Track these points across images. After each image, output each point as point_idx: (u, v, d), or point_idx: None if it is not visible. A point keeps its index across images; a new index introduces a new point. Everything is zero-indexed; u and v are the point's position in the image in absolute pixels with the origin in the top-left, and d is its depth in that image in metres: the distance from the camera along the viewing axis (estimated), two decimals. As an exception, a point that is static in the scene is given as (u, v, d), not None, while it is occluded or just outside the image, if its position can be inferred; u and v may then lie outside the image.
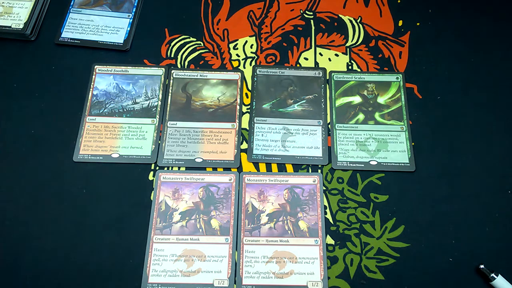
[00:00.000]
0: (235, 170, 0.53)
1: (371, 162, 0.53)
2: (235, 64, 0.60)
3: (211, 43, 0.61)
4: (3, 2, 0.62)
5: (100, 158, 0.53)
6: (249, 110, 0.57)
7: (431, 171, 0.52)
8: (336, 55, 0.60)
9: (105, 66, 0.59)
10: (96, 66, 0.59)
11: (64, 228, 0.49)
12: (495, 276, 0.46)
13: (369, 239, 0.49)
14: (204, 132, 0.55)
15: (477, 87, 0.57)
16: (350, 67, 0.59)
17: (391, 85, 0.58)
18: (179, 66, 0.59)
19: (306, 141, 0.54)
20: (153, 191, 0.51)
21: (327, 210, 0.51)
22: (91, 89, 0.57)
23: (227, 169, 0.53)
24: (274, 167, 0.53)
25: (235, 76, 0.59)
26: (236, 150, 0.54)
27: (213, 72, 0.59)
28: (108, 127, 0.55)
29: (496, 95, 0.57)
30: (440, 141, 0.54)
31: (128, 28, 0.61)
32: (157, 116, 0.56)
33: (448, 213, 0.50)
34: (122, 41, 0.60)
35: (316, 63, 0.59)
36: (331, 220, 0.50)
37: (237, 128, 0.55)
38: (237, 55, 0.60)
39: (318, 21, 0.62)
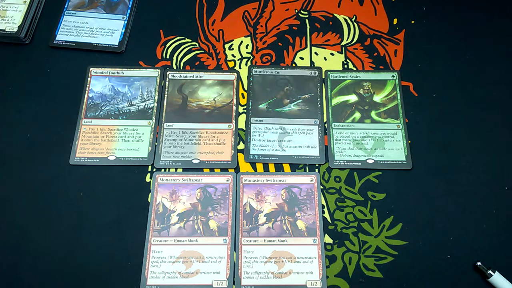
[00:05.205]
0: (232, 170, 0.53)
1: (368, 161, 0.53)
2: (230, 64, 0.59)
3: (207, 43, 0.61)
4: (-4, 6, 0.61)
5: (97, 160, 0.53)
6: (245, 111, 0.57)
7: (428, 168, 0.53)
8: (332, 54, 0.60)
9: (100, 68, 0.59)
10: (91, 69, 0.59)
11: (61, 231, 0.49)
12: (492, 273, 0.46)
13: (367, 238, 0.49)
14: (201, 133, 0.55)
15: (472, 84, 0.58)
16: (345, 66, 0.59)
17: (386, 83, 0.58)
18: (174, 67, 0.59)
19: (303, 140, 0.54)
20: (150, 193, 0.51)
21: (325, 209, 0.51)
22: (86, 92, 0.57)
23: (224, 170, 0.53)
24: (272, 167, 0.53)
25: (231, 76, 0.58)
26: (233, 151, 0.54)
27: (209, 73, 0.59)
28: (104, 129, 0.55)
29: (491, 92, 0.57)
30: (436, 138, 0.54)
31: (123, 30, 0.61)
32: (153, 118, 0.56)
33: (445, 211, 0.50)
34: (117, 43, 0.60)
35: (312, 63, 0.59)
36: (329, 219, 0.50)
37: (233, 129, 0.55)
38: (233, 55, 0.60)
39: (313, 20, 0.62)
